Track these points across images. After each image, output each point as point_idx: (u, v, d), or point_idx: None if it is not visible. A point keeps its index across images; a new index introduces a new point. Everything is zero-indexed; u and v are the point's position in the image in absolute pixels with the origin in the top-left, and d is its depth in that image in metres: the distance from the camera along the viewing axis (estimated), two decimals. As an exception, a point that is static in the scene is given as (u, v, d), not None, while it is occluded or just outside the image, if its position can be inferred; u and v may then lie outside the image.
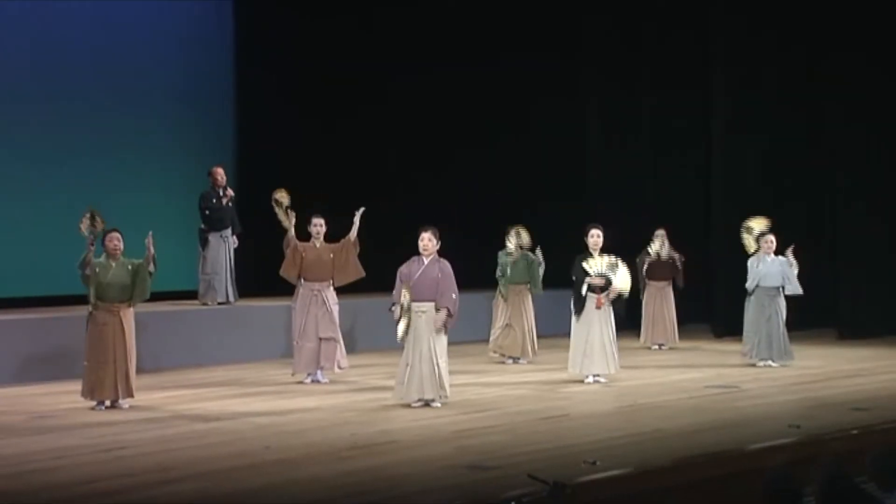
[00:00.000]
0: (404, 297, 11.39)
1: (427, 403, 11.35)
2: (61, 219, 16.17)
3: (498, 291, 15.46)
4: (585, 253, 13.13)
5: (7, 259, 15.70)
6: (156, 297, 11.86)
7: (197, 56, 18.03)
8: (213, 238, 15.87)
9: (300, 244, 13.45)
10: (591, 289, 13.00)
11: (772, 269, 14.50)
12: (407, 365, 11.37)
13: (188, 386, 13.13)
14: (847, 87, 17.82)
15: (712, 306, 18.28)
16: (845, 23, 17.75)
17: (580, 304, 13.08)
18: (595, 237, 13.14)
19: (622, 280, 13.08)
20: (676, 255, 16.93)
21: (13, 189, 16.01)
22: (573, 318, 13.12)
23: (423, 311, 11.34)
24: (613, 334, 13.13)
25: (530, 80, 19.40)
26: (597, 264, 13.02)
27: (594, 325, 13.00)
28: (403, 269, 11.51)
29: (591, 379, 13.07)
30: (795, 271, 14.51)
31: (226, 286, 15.89)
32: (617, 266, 13.09)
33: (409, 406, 11.31)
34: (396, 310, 11.43)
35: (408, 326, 11.36)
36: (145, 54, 17.35)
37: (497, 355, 15.33)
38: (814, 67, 18.25)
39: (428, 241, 11.49)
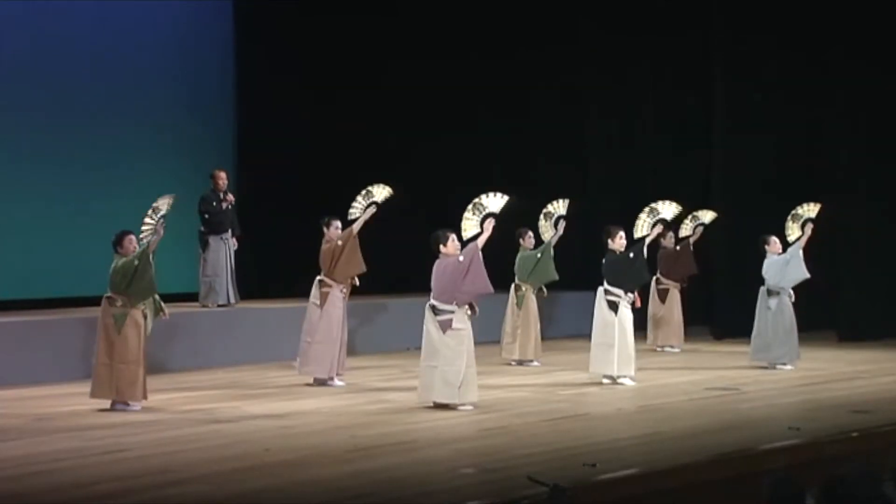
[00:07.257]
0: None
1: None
2: (61, 221, 16.22)
3: (516, 294, 15.21)
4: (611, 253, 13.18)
5: (8, 261, 15.70)
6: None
7: (197, 57, 18.02)
8: (213, 240, 15.84)
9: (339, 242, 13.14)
10: (629, 288, 13.07)
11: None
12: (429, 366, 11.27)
13: (189, 388, 13.12)
14: (847, 86, 17.82)
15: (712, 308, 18.27)
16: (845, 23, 17.75)
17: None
18: (621, 238, 13.23)
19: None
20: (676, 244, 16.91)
21: (13, 192, 15.99)
22: (608, 314, 13.04)
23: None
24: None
25: (529, 79, 19.40)
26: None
27: (626, 327, 13.02)
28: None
29: (625, 381, 13.05)
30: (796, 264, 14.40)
31: (226, 288, 15.85)
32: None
33: (410, 409, 11.29)
34: None
35: None
36: (145, 56, 17.32)
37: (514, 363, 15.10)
38: (814, 67, 18.26)
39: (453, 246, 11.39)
